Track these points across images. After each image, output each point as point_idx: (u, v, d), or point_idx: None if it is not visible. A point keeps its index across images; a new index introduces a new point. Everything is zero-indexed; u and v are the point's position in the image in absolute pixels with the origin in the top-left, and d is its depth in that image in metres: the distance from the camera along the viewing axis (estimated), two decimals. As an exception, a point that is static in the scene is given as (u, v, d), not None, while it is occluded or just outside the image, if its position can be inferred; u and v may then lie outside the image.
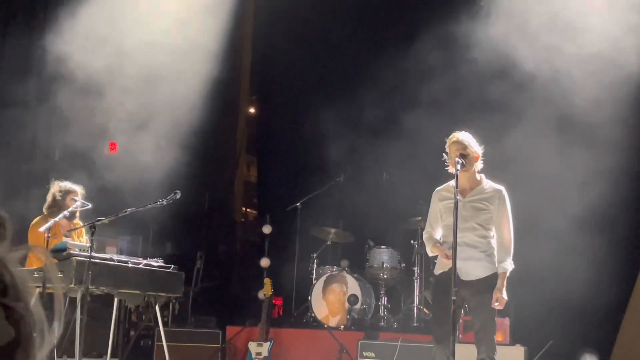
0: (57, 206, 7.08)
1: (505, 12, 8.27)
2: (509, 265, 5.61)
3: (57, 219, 6.79)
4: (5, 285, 0.85)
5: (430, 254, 5.97)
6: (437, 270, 5.78)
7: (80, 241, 7.02)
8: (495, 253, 5.67)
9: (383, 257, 9.53)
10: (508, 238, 5.68)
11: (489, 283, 5.57)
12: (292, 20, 10.42)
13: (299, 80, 11.52)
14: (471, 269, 5.61)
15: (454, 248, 5.34)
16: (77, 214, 7.21)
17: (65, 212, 6.92)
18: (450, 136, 5.75)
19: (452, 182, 5.58)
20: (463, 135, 5.72)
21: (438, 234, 5.82)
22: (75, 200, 7.05)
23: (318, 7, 10.46)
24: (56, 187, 7.20)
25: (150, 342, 9.17)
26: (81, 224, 7.26)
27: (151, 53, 9.16)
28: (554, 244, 7.96)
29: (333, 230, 9.97)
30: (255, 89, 13.70)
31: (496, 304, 5.51)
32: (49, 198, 7.17)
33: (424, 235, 5.94)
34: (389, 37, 9.68)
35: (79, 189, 7.21)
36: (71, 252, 6.32)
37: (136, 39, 9.11)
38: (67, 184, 7.20)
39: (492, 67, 8.37)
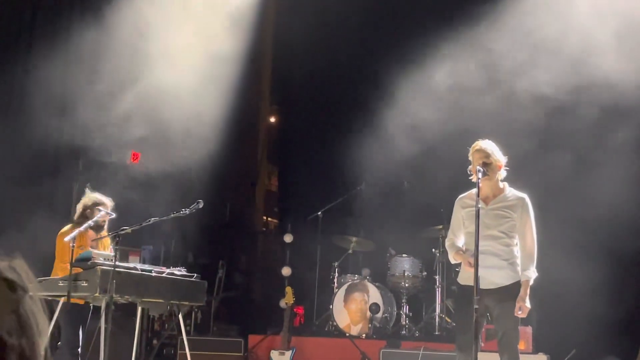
0: (85, 217, 7.14)
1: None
2: (533, 274, 5.59)
3: (81, 229, 6.85)
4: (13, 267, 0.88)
5: (452, 262, 5.98)
6: (461, 280, 5.78)
7: (106, 251, 7.08)
8: (519, 261, 5.67)
9: (404, 265, 9.53)
10: (531, 246, 5.66)
11: (512, 291, 5.56)
12: (312, 29, 10.47)
13: (320, 89, 11.57)
14: (494, 277, 5.60)
15: (476, 256, 5.34)
16: (105, 226, 7.26)
17: (90, 222, 6.98)
18: (474, 144, 5.75)
19: (475, 190, 5.59)
20: (486, 144, 5.72)
21: (460, 242, 5.81)
22: (100, 210, 7.11)
23: (339, 16, 10.50)
24: (87, 197, 7.26)
25: (173, 351, 9.22)
26: (107, 234, 7.32)
27: (173, 64, 9.25)
28: (577, 252, 7.93)
29: (354, 239, 9.98)
30: (276, 99, 13.76)
31: (519, 312, 5.50)
32: (79, 208, 7.24)
33: (447, 243, 5.94)
34: (410, 48, 9.69)
35: (108, 201, 7.26)
36: (95, 261, 6.38)
37: (158, 50, 9.20)
38: (96, 196, 7.26)
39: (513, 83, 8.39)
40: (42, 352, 0.88)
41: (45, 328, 0.89)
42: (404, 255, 9.62)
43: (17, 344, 0.82)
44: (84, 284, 6.28)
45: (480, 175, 5.51)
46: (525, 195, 5.75)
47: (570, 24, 8.07)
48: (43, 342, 0.88)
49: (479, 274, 5.38)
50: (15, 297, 0.84)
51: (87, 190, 7.34)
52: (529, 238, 5.68)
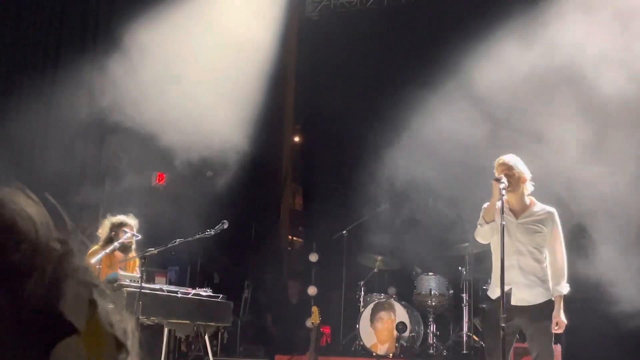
0: (111, 238, 7.19)
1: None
2: (565, 289, 5.55)
3: (107, 250, 6.89)
4: (113, 324, 0.88)
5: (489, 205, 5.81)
6: (492, 295, 5.72)
7: (132, 273, 7.11)
8: (549, 278, 5.61)
9: (431, 283, 9.47)
10: (562, 261, 5.63)
11: (545, 310, 5.52)
12: (335, 48, 10.52)
13: (343, 108, 11.58)
14: (526, 295, 5.56)
15: (502, 274, 5.31)
16: (133, 247, 7.30)
17: (116, 244, 7.02)
18: (497, 159, 5.75)
19: (498, 204, 5.56)
20: (509, 157, 5.73)
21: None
22: (125, 232, 7.15)
23: (362, 35, 10.54)
24: (108, 221, 7.31)
25: (199, 372, 9.21)
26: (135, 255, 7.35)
27: (197, 85, 9.31)
28: (603, 266, 7.84)
29: (380, 258, 9.94)
30: (300, 118, 13.79)
31: (556, 328, 5.46)
32: (105, 229, 7.28)
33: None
34: (432, 65, 9.71)
35: (132, 222, 7.30)
36: (122, 282, 6.42)
37: (182, 72, 9.28)
38: (119, 218, 7.30)
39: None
40: None
41: None
42: (430, 273, 9.56)
43: None
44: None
45: (501, 186, 5.48)
46: (554, 209, 5.73)
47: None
48: None
49: (511, 291, 5.37)
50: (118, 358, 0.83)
51: (108, 215, 7.39)
52: (559, 252, 5.65)
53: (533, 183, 5.74)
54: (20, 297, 0.76)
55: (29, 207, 0.83)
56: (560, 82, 8.50)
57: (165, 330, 7.31)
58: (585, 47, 8.08)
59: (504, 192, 5.50)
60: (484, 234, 5.77)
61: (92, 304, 0.81)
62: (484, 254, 8.57)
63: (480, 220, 5.77)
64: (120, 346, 0.85)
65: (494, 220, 5.65)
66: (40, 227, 0.82)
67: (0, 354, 0.74)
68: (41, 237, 0.81)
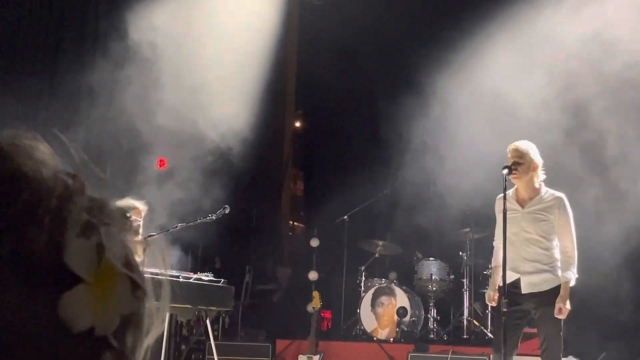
0: None
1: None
2: (573, 275, 5.53)
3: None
4: (132, 263, 0.85)
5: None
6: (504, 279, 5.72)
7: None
8: (559, 264, 5.60)
9: (432, 269, 9.50)
10: (571, 247, 5.59)
11: (554, 296, 5.51)
12: (337, 33, 10.48)
13: (345, 93, 11.57)
14: (535, 282, 5.56)
15: (503, 258, 5.33)
16: (140, 230, 7.30)
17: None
18: (511, 145, 5.72)
19: (510, 192, 5.57)
20: (522, 143, 5.68)
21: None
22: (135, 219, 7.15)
23: (364, 19, 10.49)
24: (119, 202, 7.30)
25: (201, 356, 9.24)
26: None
27: (198, 69, 9.29)
28: (605, 254, 7.84)
29: (381, 243, 9.96)
30: (301, 103, 13.78)
31: (559, 314, 5.46)
32: None
33: (494, 246, 5.94)
34: (442, 48, 9.66)
35: (141, 205, 7.31)
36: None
37: (184, 55, 9.25)
38: (128, 200, 7.28)
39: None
40: (142, 350, 0.84)
41: (154, 329, 0.85)
42: (430, 258, 9.59)
43: (119, 347, 0.79)
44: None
45: (504, 172, 5.48)
46: (562, 195, 5.67)
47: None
48: (147, 344, 0.85)
49: (519, 282, 5.42)
50: (134, 301, 0.81)
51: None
52: (568, 239, 5.61)
53: (544, 170, 5.71)
54: (22, 247, 0.75)
55: (35, 151, 0.81)
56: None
57: (167, 315, 7.34)
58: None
59: (508, 178, 5.50)
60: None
61: (100, 248, 0.79)
62: (484, 239, 8.59)
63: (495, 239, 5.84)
64: (136, 287, 0.82)
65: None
66: (46, 170, 0.80)
67: (7, 308, 0.73)
68: (47, 180, 0.79)
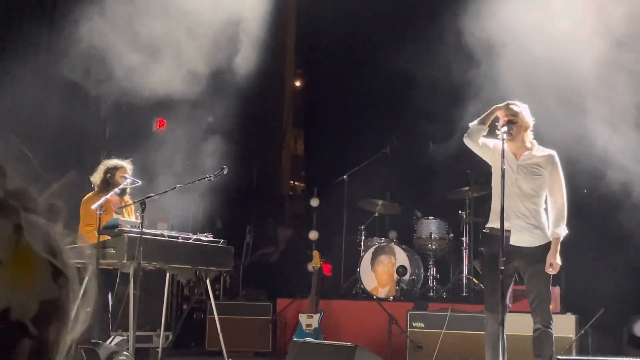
0: (107, 181, 7.21)
1: None
2: (563, 231, 5.57)
3: (108, 196, 6.92)
4: (55, 250, 0.84)
5: (474, 126, 5.83)
6: (491, 224, 5.71)
7: (130, 218, 7.15)
8: (549, 221, 5.63)
9: (431, 227, 9.52)
10: (562, 203, 5.62)
11: (543, 252, 5.54)
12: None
13: (344, 52, 11.49)
14: (525, 236, 5.58)
15: (502, 214, 5.33)
16: (128, 191, 7.33)
17: (116, 190, 7.05)
18: (506, 102, 5.70)
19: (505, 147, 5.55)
20: (515, 103, 5.67)
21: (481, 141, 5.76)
22: (126, 178, 7.17)
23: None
24: (103, 165, 7.32)
25: (202, 316, 9.34)
26: (131, 201, 7.38)
27: (195, 27, 9.20)
28: (605, 211, 7.85)
29: (380, 202, 9.97)
30: (301, 63, 13.70)
31: (550, 269, 5.49)
32: (97, 178, 7.29)
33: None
34: (440, 7, 9.54)
35: (127, 165, 7.33)
36: (123, 228, 6.46)
37: (182, 10, 9.14)
38: (114, 161, 7.32)
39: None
40: (66, 344, 0.82)
41: (79, 324, 0.84)
42: (430, 217, 9.60)
43: (39, 334, 0.77)
44: (112, 251, 6.37)
45: (504, 129, 5.46)
46: (554, 152, 5.70)
47: None
48: (70, 333, 0.84)
49: (510, 233, 5.42)
50: (55, 288, 0.80)
51: (103, 159, 7.41)
52: (559, 195, 5.64)
53: (533, 130, 5.71)
54: None
55: None
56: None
57: (167, 275, 7.40)
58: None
59: (505, 136, 5.48)
60: (471, 134, 5.75)
61: (17, 229, 0.77)
62: (484, 198, 8.59)
63: (474, 120, 5.76)
64: (58, 273, 0.81)
65: (485, 128, 5.66)
66: None
67: None
68: None
